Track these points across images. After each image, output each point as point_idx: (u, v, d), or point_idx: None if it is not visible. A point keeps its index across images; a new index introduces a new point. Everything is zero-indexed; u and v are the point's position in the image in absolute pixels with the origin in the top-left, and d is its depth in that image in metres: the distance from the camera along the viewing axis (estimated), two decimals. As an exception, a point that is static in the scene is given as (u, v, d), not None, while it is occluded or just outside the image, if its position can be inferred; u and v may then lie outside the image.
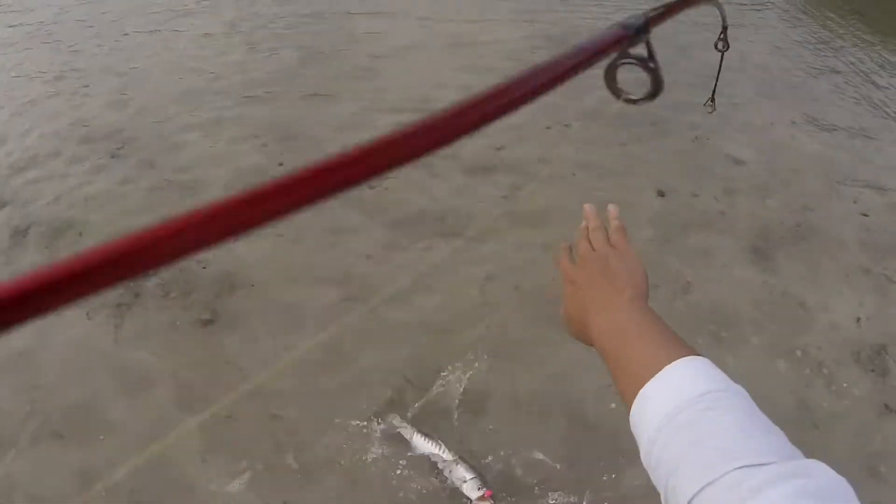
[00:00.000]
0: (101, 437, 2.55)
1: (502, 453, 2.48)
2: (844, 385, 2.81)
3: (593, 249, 0.91)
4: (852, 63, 6.23)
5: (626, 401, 0.71)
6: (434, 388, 2.72)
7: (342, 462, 2.44)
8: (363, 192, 3.86)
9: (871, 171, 4.30)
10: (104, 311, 3.11)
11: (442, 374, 2.77)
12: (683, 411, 0.63)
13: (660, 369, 0.68)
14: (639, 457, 0.70)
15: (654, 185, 4.02)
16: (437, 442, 2.44)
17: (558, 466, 2.44)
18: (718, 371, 0.68)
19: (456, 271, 3.32)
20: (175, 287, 3.26)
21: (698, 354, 0.70)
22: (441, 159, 4.23)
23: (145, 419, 2.62)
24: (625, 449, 2.44)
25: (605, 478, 2.41)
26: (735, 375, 2.39)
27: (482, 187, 4.01)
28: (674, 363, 0.68)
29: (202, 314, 3.11)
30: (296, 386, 2.73)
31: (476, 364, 2.81)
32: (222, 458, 2.46)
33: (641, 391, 0.68)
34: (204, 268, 3.35)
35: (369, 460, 2.45)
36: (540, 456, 2.48)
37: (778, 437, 0.59)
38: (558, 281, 0.97)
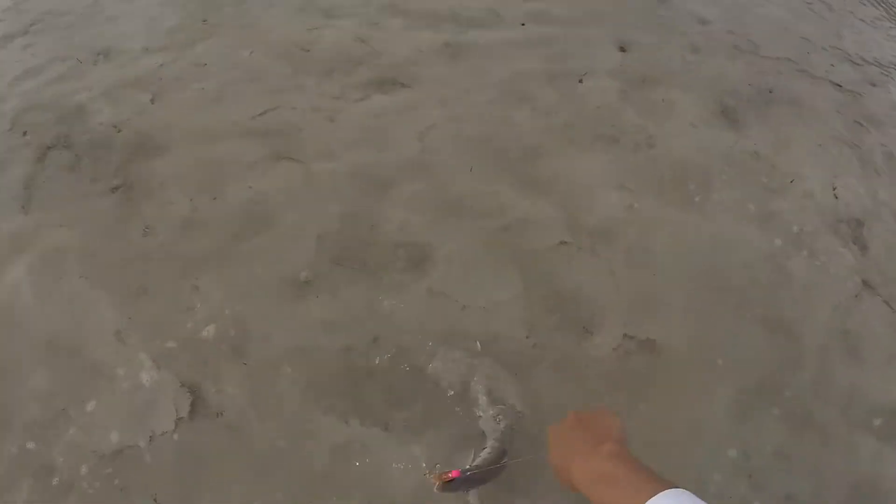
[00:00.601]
0: (7, 329, 2.25)
1: (449, 310, 2.22)
2: (822, 257, 2.53)
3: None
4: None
5: None
6: (368, 242, 2.44)
7: (268, 332, 2.17)
8: (292, 47, 3.50)
9: (844, 42, 3.89)
10: (11, 190, 2.77)
11: (377, 229, 2.47)
12: None
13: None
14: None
15: (613, 38, 3.61)
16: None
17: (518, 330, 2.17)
18: (697, 499, 0.73)
19: (394, 121, 2.97)
20: (87, 154, 2.89)
21: (677, 487, 0.75)
22: (380, 8, 3.82)
23: (56, 301, 2.31)
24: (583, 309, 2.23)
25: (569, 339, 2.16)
26: (708, 240, 2.34)
27: (424, 36, 3.57)
28: (656, 497, 0.73)
29: (116, 181, 2.75)
30: (216, 249, 2.43)
31: (416, 218, 2.51)
32: (138, 336, 2.18)
33: None
34: (119, 131, 2.99)
35: (297, 329, 2.18)
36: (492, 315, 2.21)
37: None
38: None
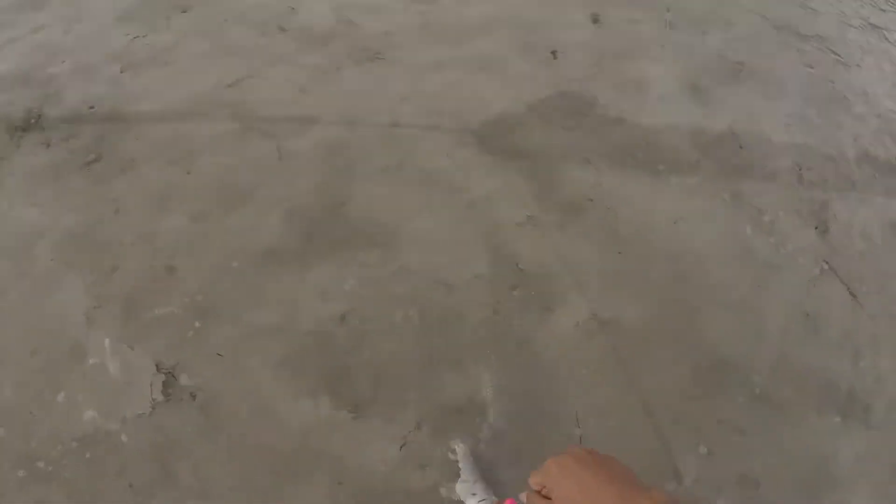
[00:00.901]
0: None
1: (415, 287, 2.23)
2: (786, 239, 2.48)
3: None
4: None
5: None
6: (338, 219, 2.43)
7: (241, 311, 2.17)
8: (268, 26, 3.40)
9: (818, 23, 3.87)
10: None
11: (345, 207, 2.46)
12: None
13: None
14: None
15: (586, 8, 3.40)
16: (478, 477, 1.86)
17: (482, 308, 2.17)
18: None
19: (366, 93, 2.95)
20: (58, 130, 2.84)
21: None
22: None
23: (27, 279, 2.29)
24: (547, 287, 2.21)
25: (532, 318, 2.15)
26: (674, 218, 2.38)
27: (395, 4, 3.54)
28: None
29: (87, 157, 2.72)
30: (188, 227, 2.42)
31: (385, 192, 2.51)
32: (109, 317, 2.16)
33: None
34: (91, 108, 2.93)
35: (267, 307, 2.18)
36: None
37: None
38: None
